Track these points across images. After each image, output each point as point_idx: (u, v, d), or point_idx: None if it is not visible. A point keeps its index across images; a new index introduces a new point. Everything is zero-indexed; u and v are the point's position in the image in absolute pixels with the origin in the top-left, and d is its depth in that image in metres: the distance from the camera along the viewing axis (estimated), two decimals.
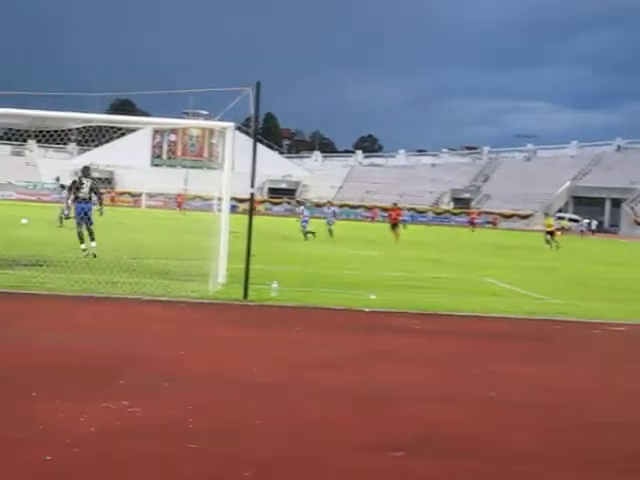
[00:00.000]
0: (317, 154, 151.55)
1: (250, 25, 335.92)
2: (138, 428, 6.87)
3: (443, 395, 8.80)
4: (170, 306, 14.17)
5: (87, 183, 22.50)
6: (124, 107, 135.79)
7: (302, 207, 47.42)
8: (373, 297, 16.13)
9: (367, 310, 14.88)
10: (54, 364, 9.17)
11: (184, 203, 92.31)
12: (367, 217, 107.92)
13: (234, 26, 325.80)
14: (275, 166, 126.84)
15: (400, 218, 50.43)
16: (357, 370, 9.93)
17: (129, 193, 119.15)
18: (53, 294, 14.63)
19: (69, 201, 23.18)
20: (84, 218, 22.12)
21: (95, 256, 21.09)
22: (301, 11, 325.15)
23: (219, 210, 17.66)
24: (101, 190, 23.10)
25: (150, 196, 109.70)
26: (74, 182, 22.67)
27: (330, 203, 56.17)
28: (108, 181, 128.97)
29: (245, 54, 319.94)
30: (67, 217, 31.60)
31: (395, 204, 52.72)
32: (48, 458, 5.96)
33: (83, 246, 21.81)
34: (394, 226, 47.32)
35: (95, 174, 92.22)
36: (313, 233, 42.04)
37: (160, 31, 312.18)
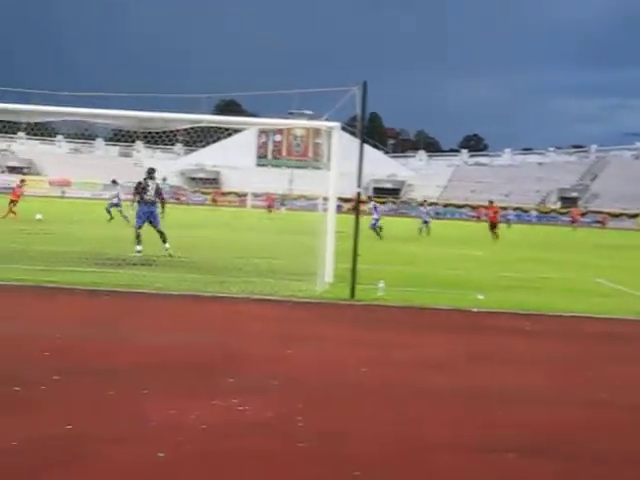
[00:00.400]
0: (422, 153, 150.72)
1: (353, 24, 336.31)
2: (248, 426, 6.92)
3: (553, 397, 8.66)
4: (277, 305, 14.25)
5: (152, 185, 22.48)
6: (229, 108, 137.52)
7: (372, 203, 43.53)
8: (481, 297, 15.96)
9: (475, 310, 14.74)
10: (164, 362, 9.30)
11: (274, 204, 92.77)
12: (472, 217, 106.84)
13: (336, 26, 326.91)
14: (380, 166, 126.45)
15: (499, 216, 48.69)
16: (465, 371, 9.83)
17: (235, 193, 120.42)
18: (162, 293, 14.84)
19: (134, 203, 22.94)
20: (145, 221, 22.17)
21: (171, 256, 21.13)
22: (401, 11, 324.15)
23: (324, 210, 17.66)
24: (163, 193, 23.07)
25: (255, 196, 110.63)
26: (139, 184, 22.53)
27: (425, 202, 53.89)
28: (215, 181, 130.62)
29: (348, 53, 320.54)
30: (126, 219, 31.92)
31: (491, 202, 49.85)
32: (161, 455, 6.05)
33: (138, 247, 21.65)
34: (493, 225, 45.59)
35: (201, 174, 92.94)
36: (380, 228, 40.35)
37: (264, 31, 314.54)
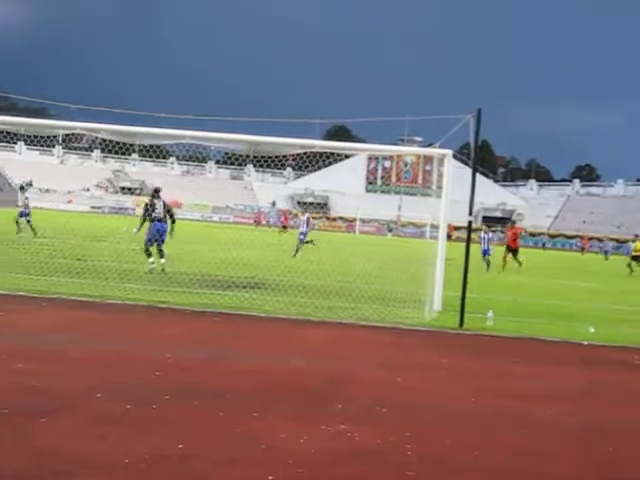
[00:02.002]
0: (532, 182, 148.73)
1: (465, 52, 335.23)
2: (357, 452, 6.91)
3: None
4: (385, 332, 14.21)
5: (159, 203, 22.90)
6: (339, 133, 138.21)
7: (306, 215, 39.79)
8: (592, 330, 15.63)
9: (586, 343, 14.45)
10: (274, 385, 9.35)
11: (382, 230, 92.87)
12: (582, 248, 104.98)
13: (448, 52, 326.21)
14: (489, 194, 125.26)
15: (519, 240, 39.32)
16: (575, 404, 9.67)
17: (343, 218, 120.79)
18: (271, 316, 14.95)
19: (139, 226, 23.40)
20: (156, 239, 22.45)
21: (164, 270, 21.46)
22: (512, 39, 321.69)
23: (432, 237, 17.62)
24: (173, 211, 23.39)
25: (363, 221, 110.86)
26: (146, 204, 23.03)
27: (485, 227, 46.39)
28: (324, 206, 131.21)
29: (459, 80, 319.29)
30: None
31: (513, 222, 43.95)
32: (270, 478, 6.07)
33: (151, 259, 22.06)
34: (511, 250, 37.02)
35: (310, 199, 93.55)
36: (310, 241, 38.69)
37: (373, 57, 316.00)
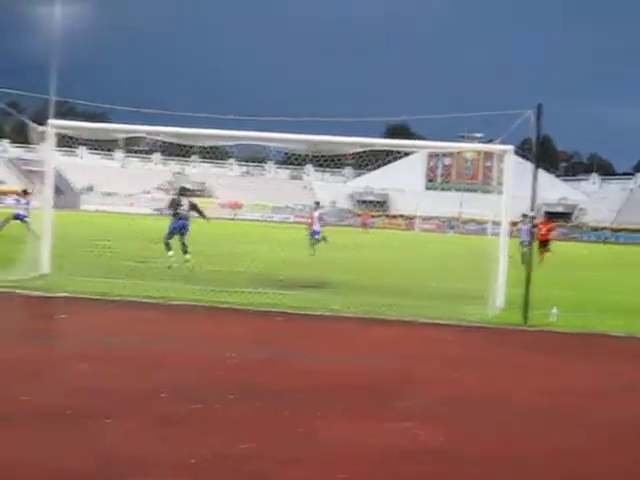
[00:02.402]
0: (595, 177, 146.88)
1: (527, 47, 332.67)
2: (421, 450, 6.87)
3: None
4: (448, 329, 14.14)
5: (185, 201, 23.77)
6: (399, 131, 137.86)
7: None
8: None
9: None
10: (337, 384, 9.34)
11: (369, 222, 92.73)
12: None
13: (511, 46, 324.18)
14: (551, 189, 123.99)
15: (550, 234, 37.75)
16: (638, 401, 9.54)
17: (403, 216, 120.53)
18: (334, 315, 14.94)
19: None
20: (176, 234, 23.24)
21: (188, 267, 22.05)
22: (575, 31, 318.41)
23: (493, 234, 17.48)
24: (200, 208, 24.37)
25: (423, 219, 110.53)
26: (173, 200, 24.01)
27: (526, 217, 45.25)
28: (384, 204, 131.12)
29: (520, 74, 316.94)
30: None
31: (549, 217, 40.43)
32: (335, 477, 6.05)
33: (170, 252, 22.85)
34: (543, 244, 35.13)
35: (370, 197, 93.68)
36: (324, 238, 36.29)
37: (433, 54, 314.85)
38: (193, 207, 24.00)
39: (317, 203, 40.25)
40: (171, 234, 23.19)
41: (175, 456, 6.37)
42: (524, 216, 32.20)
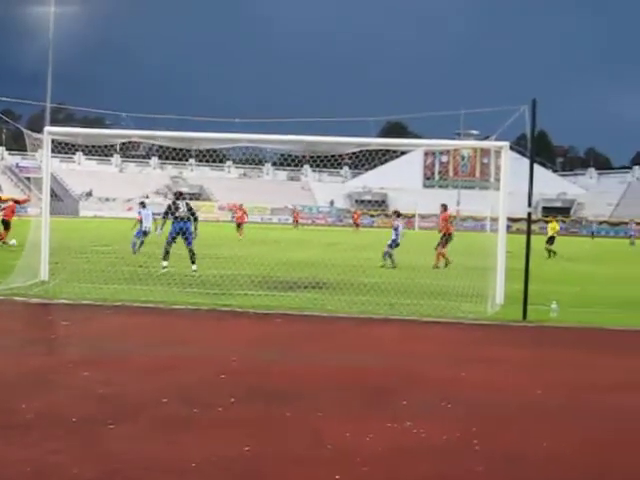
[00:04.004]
0: (592, 171, 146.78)
1: (521, 41, 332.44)
2: (424, 449, 6.89)
3: None
4: (448, 327, 14.17)
5: (182, 205, 23.13)
6: (395, 130, 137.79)
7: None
8: None
9: None
10: (338, 384, 9.37)
11: (360, 221, 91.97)
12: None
13: (506, 40, 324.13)
14: (548, 184, 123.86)
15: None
16: None
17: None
18: (333, 316, 14.97)
19: (161, 226, 23.77)
20: (177, 238, 22.67)
21: (195, 276, 20.92)
22: (574, 26, 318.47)
23: (492, 230, 17.49)
24: (195, 211, 23.67)
25: (422, 217, 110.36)
26: (169, 206, 23.26)
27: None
28: (382, 203, 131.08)
29: (515, 69, 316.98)
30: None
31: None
32: (337, 477, 6.07)
33: (165, 263, 22.18)
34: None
35: (368, 197, 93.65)
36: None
37: (428, 51, 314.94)
38: (192, 212, 23.46)
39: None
40: (172, 239, 22.70)
41: (179, 460, 6.39)
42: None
